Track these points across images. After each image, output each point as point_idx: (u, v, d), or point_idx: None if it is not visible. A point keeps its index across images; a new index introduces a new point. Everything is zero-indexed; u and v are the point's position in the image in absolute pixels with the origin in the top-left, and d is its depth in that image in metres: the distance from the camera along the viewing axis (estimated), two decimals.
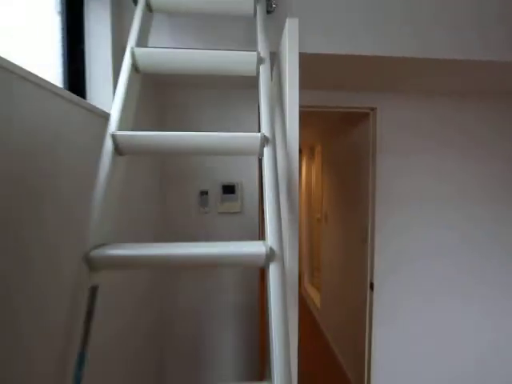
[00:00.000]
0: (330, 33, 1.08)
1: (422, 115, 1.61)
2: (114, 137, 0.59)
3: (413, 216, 1.62)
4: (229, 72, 0.74)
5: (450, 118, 1.62)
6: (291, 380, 0.47)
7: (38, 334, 0.62)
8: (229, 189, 1.49)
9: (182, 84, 1.41)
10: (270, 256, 0.52)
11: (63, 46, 0.90)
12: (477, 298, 1.67)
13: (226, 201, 1.48)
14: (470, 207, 1.64)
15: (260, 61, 0.73)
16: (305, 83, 1.39)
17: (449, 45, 1.12)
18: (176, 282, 1.47)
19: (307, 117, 1.93)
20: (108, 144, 0.60)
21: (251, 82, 1.13)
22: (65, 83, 0.90)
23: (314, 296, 3.26)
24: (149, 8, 0.83)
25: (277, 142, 0.84)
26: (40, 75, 0.65)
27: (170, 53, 0.71)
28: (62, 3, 0.89)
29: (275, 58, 0.99)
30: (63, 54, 0.90)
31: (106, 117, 0.93)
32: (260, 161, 0.65)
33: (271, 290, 0.51)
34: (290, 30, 0.71)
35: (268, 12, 1.06)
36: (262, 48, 0.75)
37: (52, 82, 0.69)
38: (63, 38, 0.90)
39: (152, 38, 0.96)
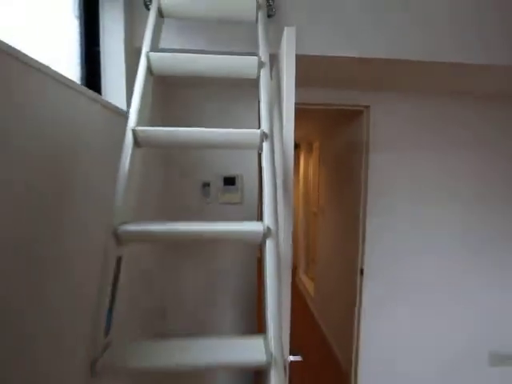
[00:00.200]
0: (327, 36, 1.16)
1: (413, 113, 1.70)
2: (134, 131, 0.69)
3: (402, 207, 1.73)
4: (232, 75, 0.83)
5: (439, 116, 1.71)
6: (282, 332, 0.58)
7: (76, 292, 0.73)
8: (229, 181, 1.59)
9: (184, 83, 1.49)
10: (267, 233, 0.62)
11: (81, 47, 0.99)
12: (464, 288, 1.79)
13: (226, 192, 1.59)
14: (458, 196, 1.75)
15: (261, 65, 0.82)
16: (302, 81, 1.48)
17: (446, 48, 1.19)
18: (182, 254, 1.58)
19: (305, 113, 2.02)
20: (129, 137, 0.69)
21: (251, 81, 1.22)
22: (83, 82, 0.98)
23: (309, 286, 3.40)
24: (160, 14, 0.92)
25: (274, 138, 0.94)
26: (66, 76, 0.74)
27: (180, 57, 0.80)
28: (79, 8, 0.98)
29: (275, 59, 1.08)
30: (81, 55, 0.98)
31: (120, 113, 1.03)
32: (259, 155, 0.75)
33: (267, 261, 0.61)
34: (288, 38, 0.80)
35: (269, 16, 1.15)
36: (263, 53, 0.84)
37: (78, 83, 0.78)
38: (81, 40, 0.99)
39: (161, 38, 1.04)
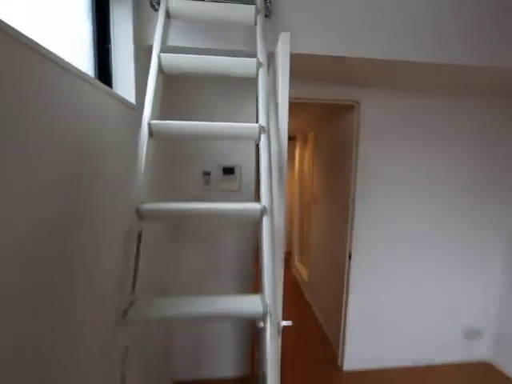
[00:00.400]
0: (320, 36, 1.26)
1: (400, 109, 1.83)
2: (149, 125, 0.79)
3: (388, 196, 1.88)
4: (234, 74, 0.93)
5: (424, 111, 1.84)
6: (276, 291, 0.71)
7: (105, 259, 0.86)
8: (228, 170, 1.71)
9: (189, 76, 1.58)
10: (264, 211, 0.74)
11: (94, 44, 1.07)
12: (440, 269, 1.96)
13: (226, 180, 1.70)
14: (440, 185, 1.90)
15: (259, 65, 0.93)
16: (297, 77, 1.59)
17: (429, 49, 1.31)
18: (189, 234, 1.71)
19: (300, 106, 2.12)
20: (144, 130, 0.80)
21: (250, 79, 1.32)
22: (97, 76, 1.07)
23: (303, 272, 3.58)
24: (168, 16, 1.01)
25: (271, 130, 1.05)
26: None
27: (188, 58, 0.90)
28: (92, 9, 1.06)
29: (272, 56, 1.18)
30: (94, 52, 1.07)
31: (129, 105, 1.13)
32: (257, 146, 0.86)
33: (263, 234, 0.74)
34: (283, 43, 0.90)
35: (266, 16, 1.24)
36: (261, 54, 0.94)
37: (97, 80, 0.87)
38: (93, 38, 1.07)
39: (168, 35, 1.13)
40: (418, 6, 1.29)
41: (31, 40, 0.61)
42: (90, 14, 1.05)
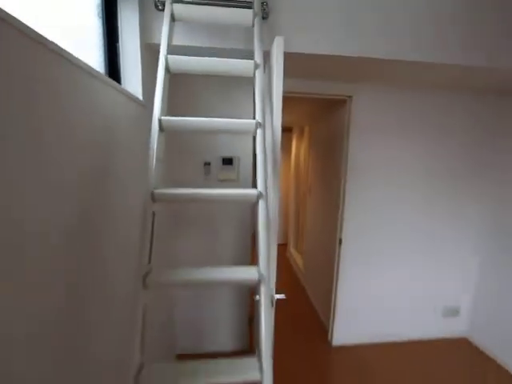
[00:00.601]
0: (314, 36, 1.35)
1: (389, 103, 1.94)
2: (160, 120, 0.91)
3: (376, 186, 2.01)
4: (233, 74, 1.04)
5: (412, 106, 1.95)
6: (270, 262, 0.85)
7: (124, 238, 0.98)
8: (227, 161, 1.82)
9: (190, 77, 1.67)
10: (260, 196, 0.87)
11: (104, 43, 1.16)
12: (424, 253, 2.13)
13: (224, 170, 1.82)
14: (424, 171, 2.04)
15: (256, 66, 1.03)
16: (292, 73, 1.69)
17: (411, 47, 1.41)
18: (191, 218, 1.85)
19: (296, 101, 2.22)
20: (155, 125, 0.91)
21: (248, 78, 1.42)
22: (107, 74, 1.17)
23: (298, 260, 3.75)
24: (173, 19, 1.10)
25: (266, 124, 1.16)
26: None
27: (192, 59, 1.00)
28: (101, 9, 1.14)
29: (268, 55, 1.28)
30: (104, 50, 1.16)
31: (137, 101, 1.23)
32: (254, 139, 0.98)
33: (259, 216, 0.87)
34: (277, 46, 1.01)
35: (263, 18, 1.33)
36: (258, 56, 1.05)
37: (109, 78, 0.97)
38: (103, 36, 1.16)
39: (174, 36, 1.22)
40: (418, 7, 1.37)
41: (45, 38, 0.62)
42: (101, 13, 1.14)
